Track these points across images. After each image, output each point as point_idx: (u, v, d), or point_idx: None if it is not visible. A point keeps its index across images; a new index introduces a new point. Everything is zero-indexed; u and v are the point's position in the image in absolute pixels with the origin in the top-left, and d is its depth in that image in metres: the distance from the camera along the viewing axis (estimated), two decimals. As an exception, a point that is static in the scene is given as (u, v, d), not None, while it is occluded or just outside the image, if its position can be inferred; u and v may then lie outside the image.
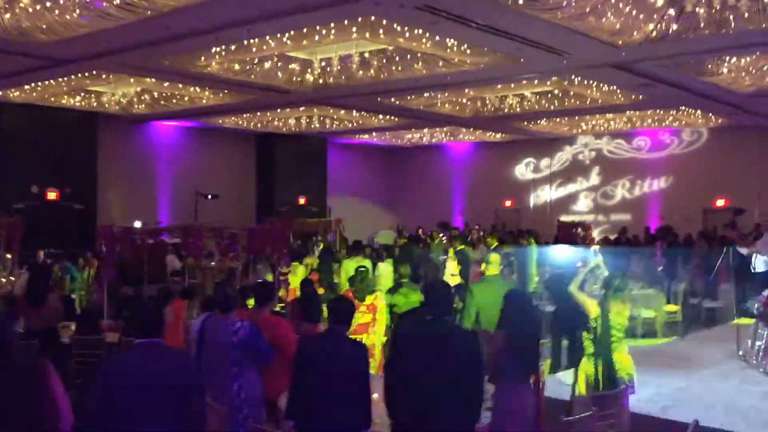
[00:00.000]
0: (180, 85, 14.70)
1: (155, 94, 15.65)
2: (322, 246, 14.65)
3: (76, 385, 5.45)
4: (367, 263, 11.52)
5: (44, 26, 10.12)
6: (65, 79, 13.93)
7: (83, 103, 16.49)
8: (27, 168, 16.72)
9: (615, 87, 14.55)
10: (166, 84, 14.55)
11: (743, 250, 10.53)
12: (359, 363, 4.71)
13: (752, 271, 10.01)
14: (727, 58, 12.30)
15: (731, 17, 9.25)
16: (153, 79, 14.11)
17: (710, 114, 17.74)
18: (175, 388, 3.80)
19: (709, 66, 12.70)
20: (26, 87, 14.76)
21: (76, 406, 4.18)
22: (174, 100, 16.17)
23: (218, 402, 5.13)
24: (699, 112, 17.48)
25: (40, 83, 14.39)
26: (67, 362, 7.41)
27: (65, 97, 15.90)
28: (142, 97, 15.89)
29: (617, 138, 21.96)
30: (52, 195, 17.21)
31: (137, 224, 16.61)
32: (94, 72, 13.32)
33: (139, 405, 3.70)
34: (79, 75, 13.56)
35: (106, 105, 16.60)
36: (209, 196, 18.76)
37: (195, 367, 4.10)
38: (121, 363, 3.96)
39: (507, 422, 4.91)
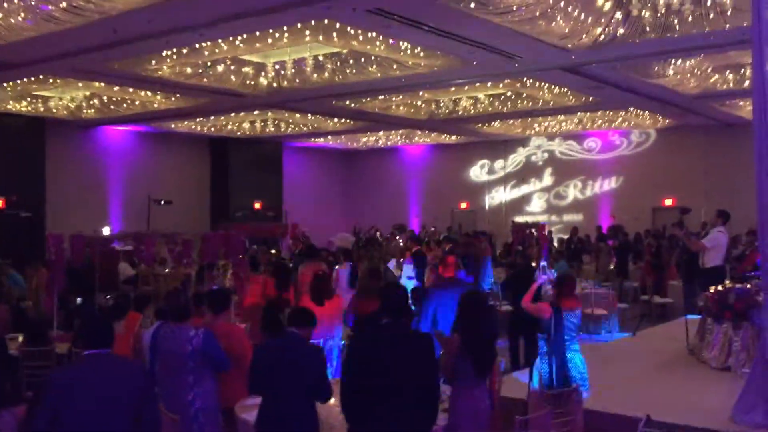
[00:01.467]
0: (130, 89, 14.46)
1: (105, 98, 15.35)
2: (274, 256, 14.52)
3: (26, 398, 5.30)
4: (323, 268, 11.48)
5: (-13, 30, 9.85)
6: (10, 83, 13.57)
7: (30, 108, 16.08)
8: (-28, 175, 16.24)
9: (566, 89, 14.82)
10: (116, 88, 14.30)
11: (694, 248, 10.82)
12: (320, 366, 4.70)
13: (700, 267, 10.27)
14: (673, 60, 12.65)
15: (676, 21, 9.52)
16: (102, 84, 13.85)
17: (658, 115, 18.20)
18: (126, 399, 3.72)
19: (656, 68, 13.03)
20: (-31, 92, 14.35)
21: (26, 422, 4.07)
22: (125, 105, 15.88)
23: (172, 411, 5.05)
24: (647, 113, 17.92)
25: (-17, 88, 14.00)
26: (17, 375, 7.20)
27: (11, 102, 15.49)
28: (91, 102, 15.57)
29: (569, 139, 22.34)
30: (-2, 202, 16.75)
31: (107, 231, 16.15)
32: (41, 76, 13.02)
33: (88, 418, 3.61)
34: (25, 80, 13.23)
35: (54, 110, 16.22)
36: (162, 202, 18.48)
37: (146, 376, 4.01)
38: (67, 375, 3.86)
39: (463, 423, 4.94)
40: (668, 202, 20.11)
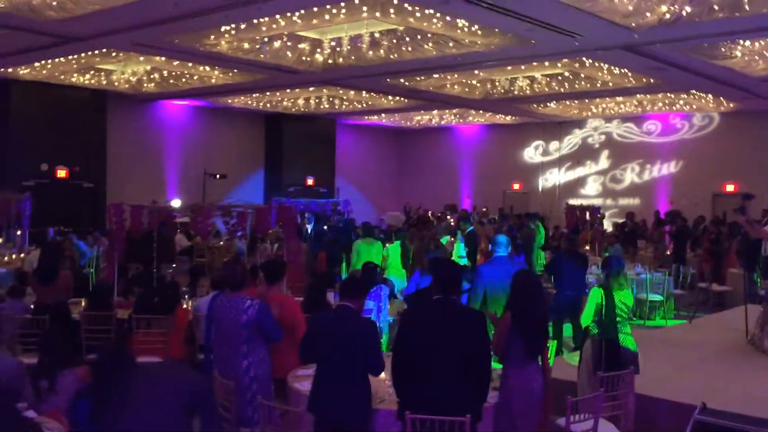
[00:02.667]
0: (189, 64, 14.68)
1: (164, 72, 15.64)
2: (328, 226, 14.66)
3: (87, 360, 5.49)
4: (378, 245, 11.59)
5: (54, 3, 10.11)
6: (75, 56, 13.92)
7: (93, 81, 16.50)
8: (37, 146, 16.77)
9: (626, 70, 14.44)
10: (175, 63, 14.54)
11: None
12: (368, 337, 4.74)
13: (762, 255, 9.97)
14: (741, 41, 12.18)
15: (745, 0, 9.16)
16: (162, 58, 14.09)
17: (721, 98, 17.60)
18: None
19: (722, 49, 12.57)
20: (36, 65, 14.77)
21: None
22: (183, 79, 16.16)
23: (227, 378, 5.17)
24: (710, 96, 17.35)
25: (49, 61, 14.40)
26: (78, 338, 7.46)
27: (75, 75, 15.91)
28: (152, 76, 15.89)
29: (627, 122, 21.83)
30: (61, 173, 17.28)
31: (177, 203, 16.37)
32: (104, 50, 13.31)
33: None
34: (89, 53, 13.56)
35: (116, 83, 16.61)
36: (218, 176, 18.80)
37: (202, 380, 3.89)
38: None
39: (514, 401, 4.93)
40: (730, 188, 19.50)
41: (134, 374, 3.60)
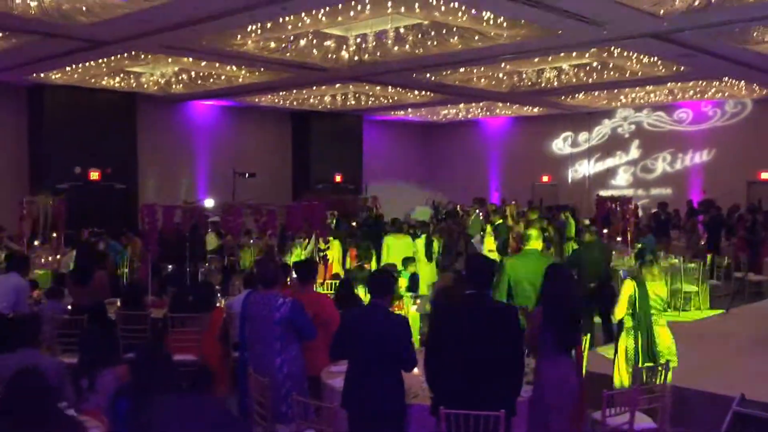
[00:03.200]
0: (217, 64, 14.81)
1: (193, 73, 15.79)
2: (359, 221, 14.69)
3: (125, 359, 5.59)
4: (407, 239, 11.61)
5: (84, 8, 10.26)
6: (105, 60, 14.13)
7: (123, 84, 16.73)
8: (70, 149, 17.06)
9: (655, 58, 14.22)
10: (203, 63, 14.68)
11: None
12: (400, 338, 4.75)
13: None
14: (773, 25, 11.93)
15: (778, -17, 8.97)
16: (190, 59, 14.24)
17: (754, 85, 17.27)
18: None
19: (755, 34, 12.32)
20: (67, 69, 15.03)
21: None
22: (211, 80, 16.31)
23: (261, 374, 5.22)
24: (743, 82, 17.02)
25: (80, 65, 14.63)
26: (115, 337, 7.58)
27: (105, 78, 16.14)
28: (180, 77, 16.06)
29: (658, 110, 21.52)
30: (94, 175, 17.56)
31: (210, 203, 16.50)
32: (133, 53, 13.49)
33: None
34: (119, 56, 13.75)
35: (145, 85, 16.82)
36: (246, 175, 18.94)
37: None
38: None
39: (548, 395, 4.91)
40: (765, 175, 19.13)
41: (172, 402, 3.65)
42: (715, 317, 10.43)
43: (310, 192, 20.33)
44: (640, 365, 5.89)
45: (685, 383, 6.29)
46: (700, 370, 6.83)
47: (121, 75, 15.99)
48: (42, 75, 15.67)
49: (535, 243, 7.14)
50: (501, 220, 13.29)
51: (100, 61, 14.19)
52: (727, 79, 16.60)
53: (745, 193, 19.40)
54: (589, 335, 6.67)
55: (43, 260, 12.49)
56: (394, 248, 11.12)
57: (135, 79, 16.38)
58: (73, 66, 14.73)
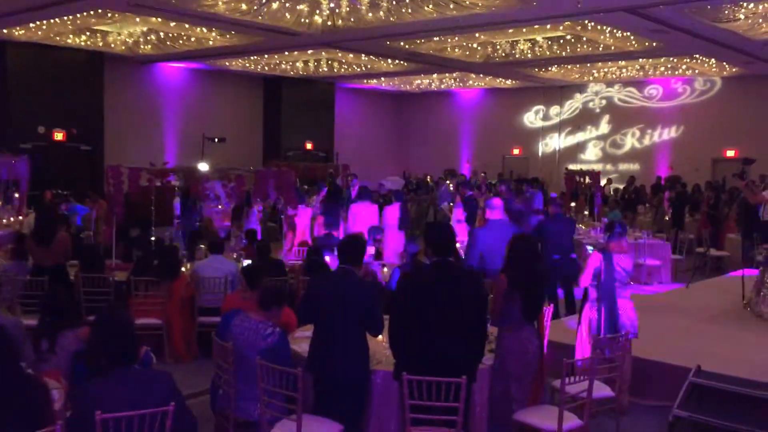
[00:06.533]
0: (186, 26, 14.49)
1: (161, 34, 15.44)
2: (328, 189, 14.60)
3: (87, 321, 5.51)
4: (374, 208, 11.59)
5: (48, -38, 9.94)
6: (70, 17, 13.73)
7: (89, 43, 16.30)
8: (34, 109, 16.62)
9: (628, 33, 14.27)
10: (172, 24, 14.34)
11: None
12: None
13: (760, 220, 9.93)
14: (744, 3, 12.01)
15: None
16: (159, 19, 13.90)
17: (724, 63, 17.45)
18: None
19: (726, 12, 12.41)
20: (31, 25, 14.57)
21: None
22: (180, 41, 15.97)
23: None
24: (713, 60, 17.19)
25: (45, 22, 14.20)
26: (75, 299, 7.48)
27: (71, 36, 15.71)
28: (149, 38, 15.69)
29: (629, 86, 21.67)
30: (59, 136, 17.18)
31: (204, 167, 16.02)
32: (100, 10, 13.12)
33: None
34: (85, 13, 13.36)
35: (112, 45, 16.42)
36: (216, 140, 18.69)
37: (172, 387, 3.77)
38: (93, 389, 3.63)
39: (509, 363, 4.97)
40: (730, 153, 19.43)
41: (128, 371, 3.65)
42: (676, 291, 10.63)
43: (280, 159, 20.18)
44: (602, 335, 5.98)
45: (644, 354, 6.41)
46: (660, 341, 6.97)
47: (87, 33, 15.57)
48: (5, 31, 15.19)
49: (500, 213, 7.20)
50: (470, 192, 13.31)
51: (65, 18, 13.78)
52: (697, 56, 16.74)
53: (711, 170, 19.71)
54: (552, 305, 6.74)
55: (4, 221, 12.23)
56: (360, 216, 11.11)
57: (102, 38, 15.97)
58: (37, 23, 14.29)
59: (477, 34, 14.96)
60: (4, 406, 3.36)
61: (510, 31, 14.62)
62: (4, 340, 3.55)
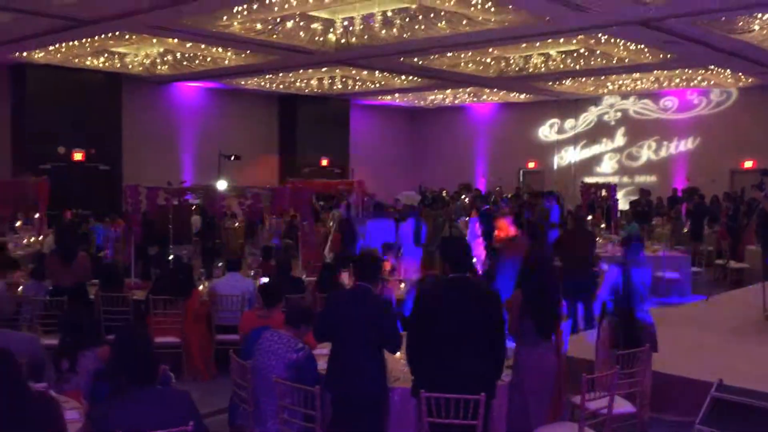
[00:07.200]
0: (202, 46, 14.68)
1: (178, 54, 15.65)
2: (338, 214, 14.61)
3: (107, 341, 5.54)
4: (390, 224, 11.57)
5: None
6: (89, 40, 13.95)
7: (107, 65, 16.54)
8: (53, 129, 16.86)
9: (642, 45, 14.26)
10: (188, 44, 14.53)
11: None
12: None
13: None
14: (759, 14, 11.97)
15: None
16: (175, 40, 14.09)
17: (740, 73, 17.36)
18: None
19: (740, 23, 12.37)
20: (50, 48, 14.83)
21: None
22: (197, 61, 16.17)
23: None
24: (728, 71, 17.11)
25: (63, 44, 14.44)
26: (96, 318, 7.52)
27: (89, 58, 15.95)
28: (165, 58, 15.90)
29: (644, 98, 21.59)
30: (78, 156, 17.39)
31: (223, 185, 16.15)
32: (117, 33, 13.32)
33: None
34: (103, 36, 13.57)
35: (130, 66, 16.64)
36: (232, 157, 18.81)
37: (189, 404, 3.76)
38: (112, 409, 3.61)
39: (526, 380, 4.94)
40: (748, 164, 19.27)
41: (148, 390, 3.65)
42: (696, 304, 10.52)
43: (296, 176, 20.26)
44: (622, 349, 5.92)
45: (664, 369, 6.34)
46: (680, 355, 6.89)
47: (105, 55, 15.81)
48: (25, 54, 15.45)
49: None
50: (486, 206, 13.29)
51: (84, 40, 14.02)
52: (712, 67, 16.67)
53: (729, 181, 19.55)
54: (571, 320, 6.70)
55: (25, 241, 12.37)
56: (377, 233, 11.09)
57: (119, 60, 16.20)
58: (56, 45, 14.53)
59: (490, 49, 15.00)
60: (10, 426, 3.34)
61: (523, 45, 14.65)
62: (7, 361, 3.49)
